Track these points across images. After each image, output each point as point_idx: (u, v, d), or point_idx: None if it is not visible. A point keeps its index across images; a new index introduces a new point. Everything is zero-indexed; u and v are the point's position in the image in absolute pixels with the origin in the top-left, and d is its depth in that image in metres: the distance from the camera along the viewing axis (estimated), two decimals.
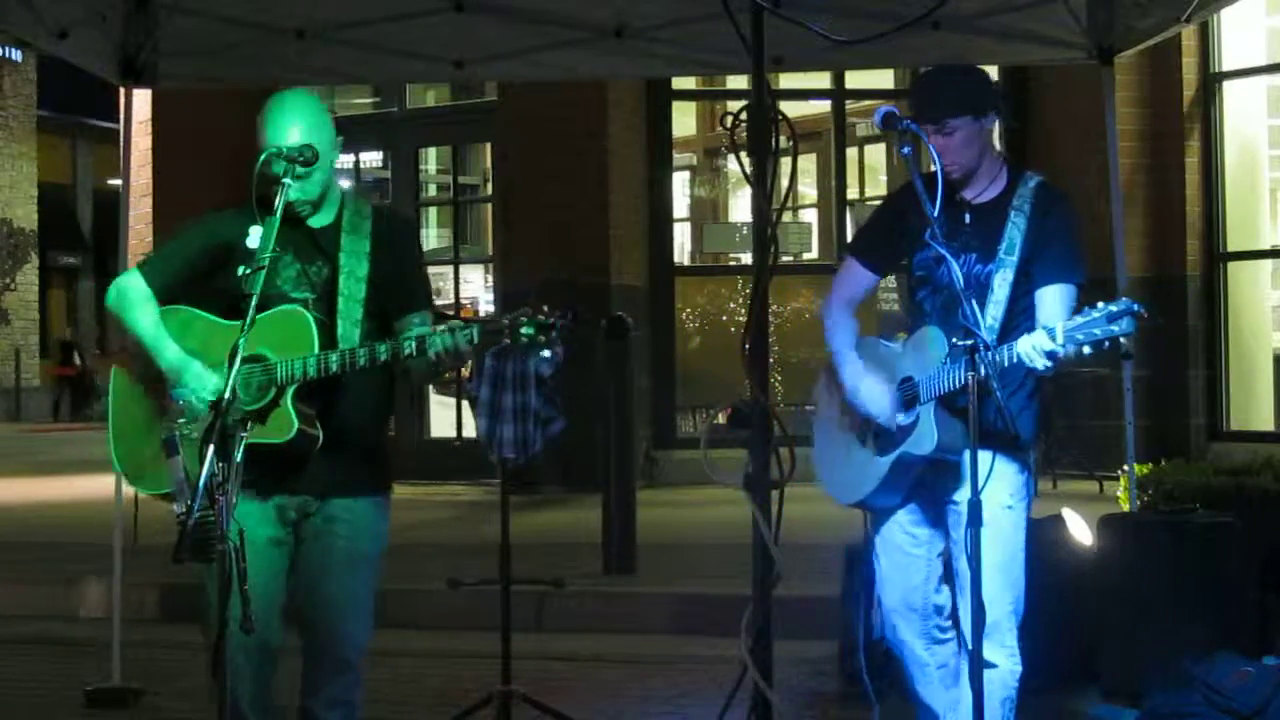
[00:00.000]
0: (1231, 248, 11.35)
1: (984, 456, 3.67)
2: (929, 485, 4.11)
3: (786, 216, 13.53)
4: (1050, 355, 3.63)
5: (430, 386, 12.31)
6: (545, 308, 3.58)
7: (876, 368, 4.14)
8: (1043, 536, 4.75)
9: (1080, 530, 5.95)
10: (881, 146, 14.98)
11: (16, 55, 33.45)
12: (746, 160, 3.92)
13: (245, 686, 3.86)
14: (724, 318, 12.82)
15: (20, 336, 32.78)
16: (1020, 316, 4.00)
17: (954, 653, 4.23)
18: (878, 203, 11.24)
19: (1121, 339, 3.54)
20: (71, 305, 36.50)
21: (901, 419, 4.03)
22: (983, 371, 3.65)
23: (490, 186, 13.89)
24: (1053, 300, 3.96)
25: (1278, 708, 4.86)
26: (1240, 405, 11.34)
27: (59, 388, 31.66)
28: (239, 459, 3.42)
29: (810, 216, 15.98)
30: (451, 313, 11.49)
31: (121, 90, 6.54)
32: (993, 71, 11.56)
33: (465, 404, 8.64)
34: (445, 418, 12.79)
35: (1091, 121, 7.98)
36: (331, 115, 4.02)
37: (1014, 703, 4.11)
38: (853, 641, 5.73)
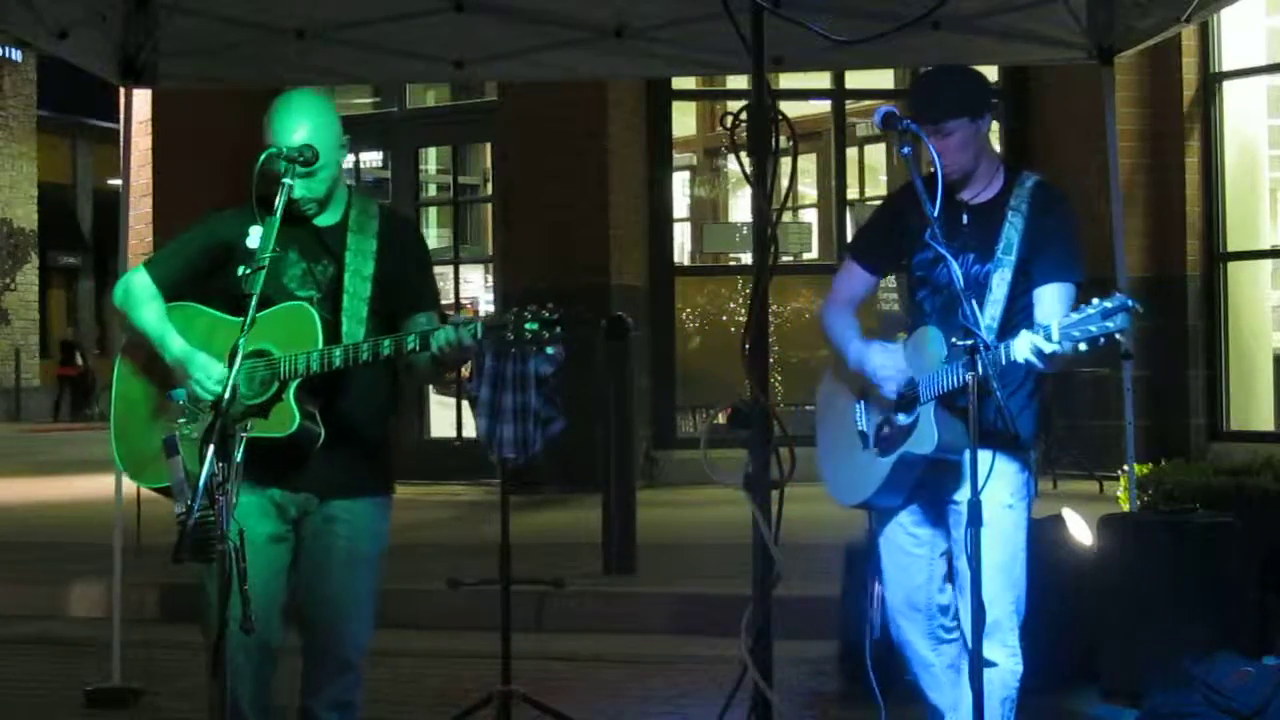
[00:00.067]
0: (1231, 248, 11.35)
1: (984, 456, 3.67)
2: (930, 485, 4.12)
3: (786, 216, 13.54)
4: (1048, 354, 3.64)
5: (430, 386, 12.31)
6: (550, 304, 3.59)
7: None
8: (1043, 536, 4.75)
9: (1080, 530, 5.95)
10: (881, 146, 14.99)
11: (16, 55, 33.47)
12: (746, 160, 3.92)
13: (245, 686, 3.86)
14: (724, 318, 12.83)
15: (20, 336, 32.79)
16: (1019, 316, 4.00)
17: (960, 652, 4.23)
18: (878, 203, 11.24)
19: (1118, 336, 3.54)
20: (71, 305, 36.51)
21: (902, 419, 4.03)
22: (982, 371, 3.65)
23: (490, 186, 13.90)
24: (1051, 299, 3.97)
25: (1278, 708, 4.86)
26: (1240, 405, 11.34)
27: (60, 388, 31.64)
28: (239, 458, 3.42)
29: (810, 216, 15.99)
30: (453, 313, 11.49)
31: (121, 90, 6.54)
32: (993, 71, 11.63)
33: (465, 404, 8.65)
34: (445, 418, 12.80)
35: (1091, 121, 7.98)
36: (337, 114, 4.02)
37: (1014, 702, 4.11)
38: (852, 642, 5.74)
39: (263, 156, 3.72)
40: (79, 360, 31.84)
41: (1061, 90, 11.18)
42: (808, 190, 15.88)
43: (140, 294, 3.98)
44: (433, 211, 15.87)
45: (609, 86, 11.64)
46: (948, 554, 4.20)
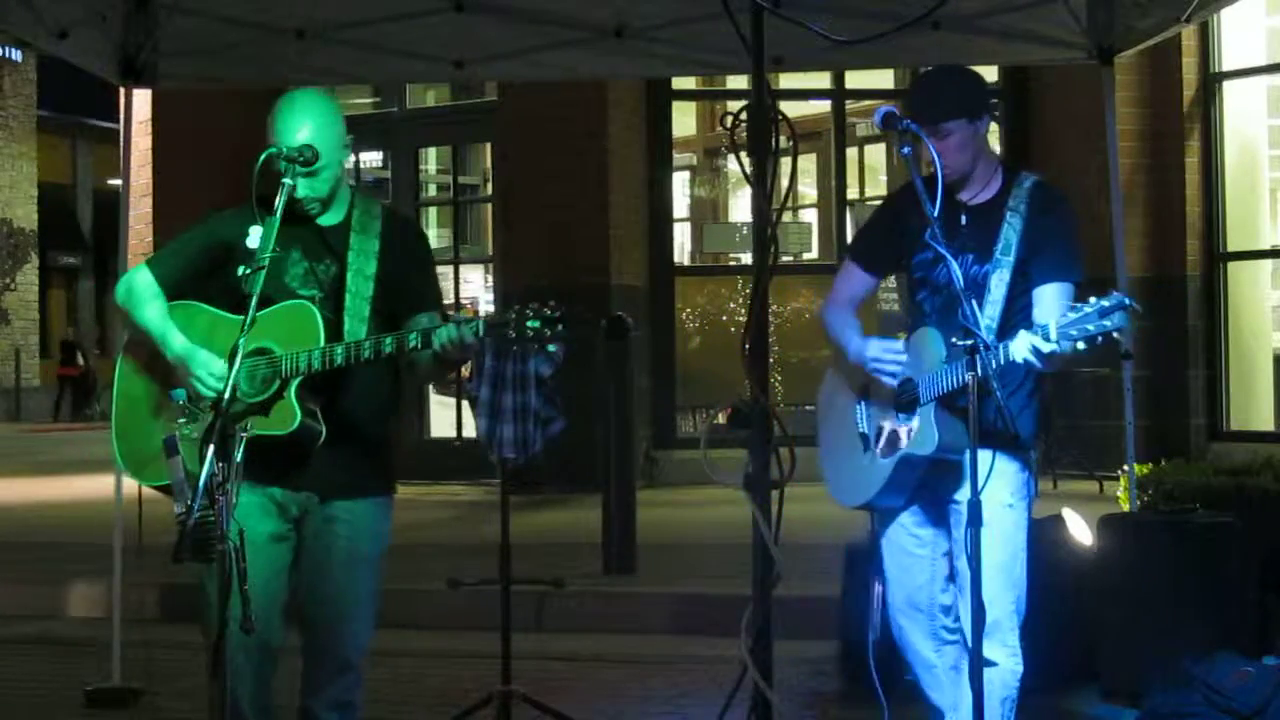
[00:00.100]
0: (1231, 248, 11.35)
1: (984, 456, 3.67)
2: (931, 485, 4.12)
3: (786, 216, 13.54)
4: (1047, 354, 3.64)
5: (430, 386, 12.31)
6: (551, 302, 3.59)
7: None
8: (1043, 536, 4.75)
9: (1080, 530, 5.95)
10: (881, 146, 14.99)
11: (16, 55, 33.48)
12: (746, 160, 3.92)
13: (245, 686, 3.86)
14: (724, 318, 12.83)
15: (20, 336, 32.79)
16: (1018, 316, 4.00)
17: (961, 653, 4.23)
18: (878, 203, 11.23)
19: (1115, 334, 3.54)
20: (71, 305, 36.51)
21: (903, 420, 4.03)
22: (982, 371, 3.66)
23: (490, 186, 13.90)
24: (1050, 299, 3.97)
25: (1278, 708, 4.86)
26: (1240, 405, 11.34)
27: (61, 388, 31.64)
28: (239, 459, 3.42)
29: (810, 216, 15.99)
30: (453, 313, 11.49)
31: (121, 90, 6.54)
32: (993, 71, 11.63)
33: (465, 404, 8.64)
34: (445, 418, 12.80)
35: (1091, 121, 7.98)
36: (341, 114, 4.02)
37: (1014, 702, 4.11)
38: (852, 642, 5.74)
39: (262, 156, 3.72)
40: (80, 360, 31.83)
41: (1061, 90, 11.18)
42: (808, 190, 15.89)
43: (142, 292, 3.98)
44: (433, 211, 15.88)
45: (609, 86, 11.64)
46: (950, 554, 4.20)
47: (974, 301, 3.78)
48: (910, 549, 4.24)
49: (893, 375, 4.05)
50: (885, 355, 4.08)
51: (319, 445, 3.82)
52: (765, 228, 3.90)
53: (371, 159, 14.17)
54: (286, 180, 3.73)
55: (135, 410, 4.02)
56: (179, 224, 4.14)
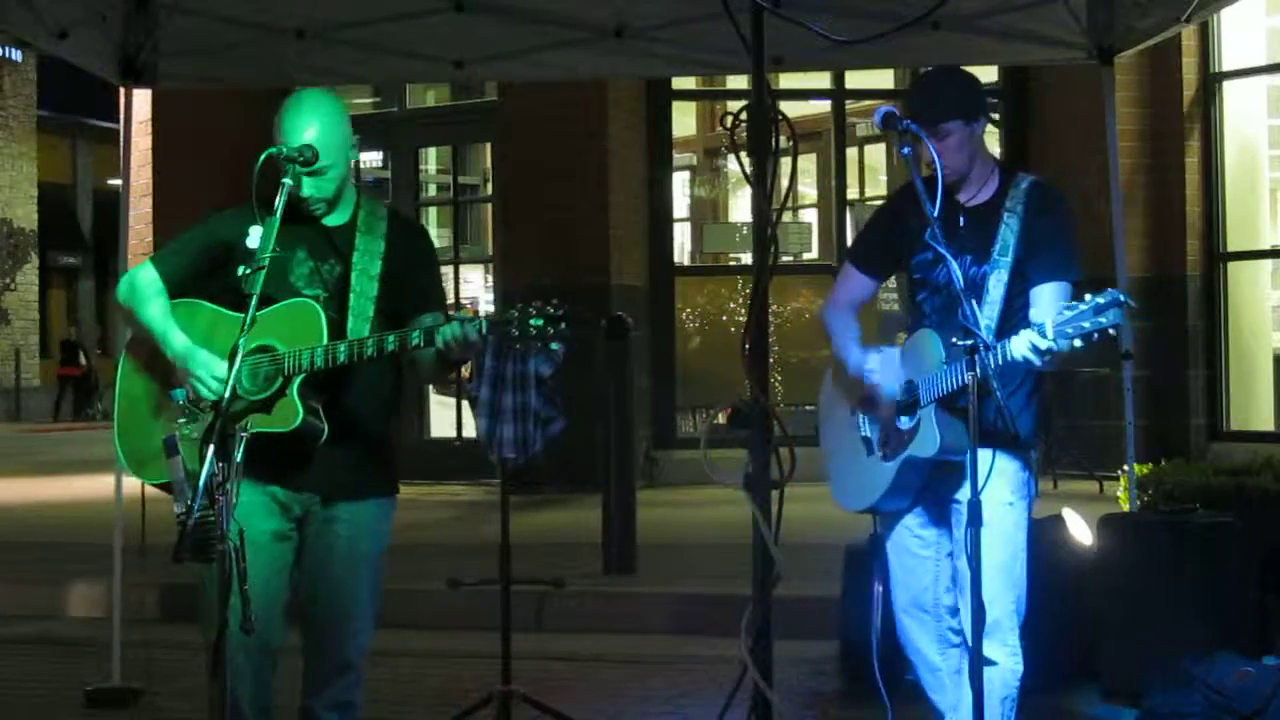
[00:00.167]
0: (1231, 248, 11.35)
1: (985, 455, 3.68)
2: (933, 486, 4.12)
3: (786, 216, 13.54)
4: (1044, 352, 3.64)
5: (430, 386, 12.32)
6: (554, 301, 3.59)
7: None
8: (1043, 536, 4.75)
9: (1080, 530, 5.95)
10: (881, 146, 14.99)
11: (16, 55, 33.47)
12: (746, 160, 3.92)
13: (245, 686, 3.86)
14: (724, 318, 12.83)
15: (20, 336, 32.79)
16: (1016, 316, 4.00)
17: (965, 656, 4.23)
18: (878, 203, 11.25)
19: (1112, 331, 3.54)
20: (71, 305, 36.51)
21: (904, 423, 4.04)
22: (981, 371, 3.66)
23: (490, 186, 13.90)
24: (1047, 298, 3.97)
25: (1278, 708, 4.86)
26: (1240, 405, 11.34)
27: (62, 387, 31.64)
28: (239, 458, 3.42)
29: (810, 216, 15.99)
30: (454, 312, 11.49)
31: (121, 90, 6.54)
32: (993, 71, 11.64)
33: (465, 404, 8.65)
34: (445, 418, 12.80)
35: (1091, 121, 7.98)
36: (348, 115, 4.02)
37: (1015, 702, 4.11)
38: (852, 642, 5.74)
39: (263, 156, 3.72)
40: (82, 360, 31.83)
41: (1061, 90, 11.18)
42: (808, 190, 15.89)
43: (145, 290, 3.98)
44: (433, 211, 15.87)
45: (609, 86, 11.65)
46: (952, 554, 4.20)
47: (974, 301, 3.79)
48: (914, 550, 4.24)
49: (892, 398, 4.06)
50: (886, 376, 4.08)
51: (321, 444, 3.82)
52: (765, 228, 3.90)
53: (371, 159, 14.17)
54: (286, 180, 3.73)
55: (136, 409, 4.02)
56: (179, 224, 4.14)
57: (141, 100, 10.66)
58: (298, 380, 3.74)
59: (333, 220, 3.99)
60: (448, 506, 10.83)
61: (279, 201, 3.70)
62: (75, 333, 34.24)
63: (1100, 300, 3.54)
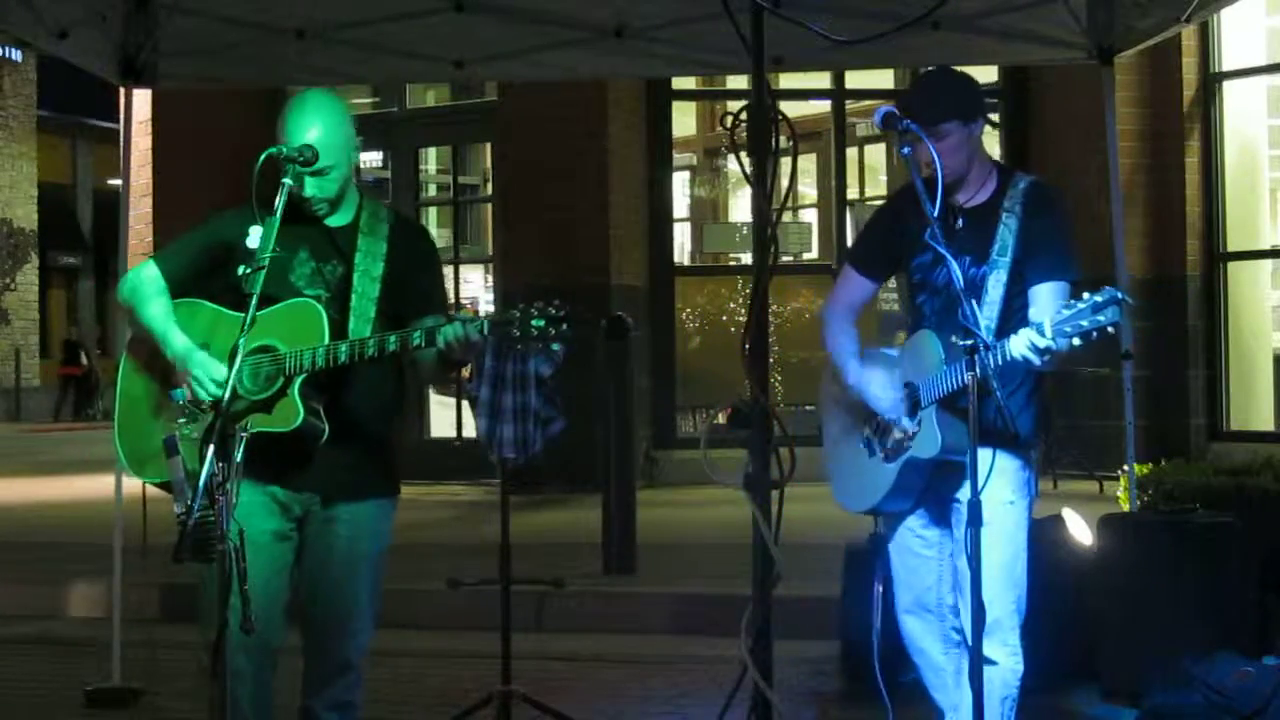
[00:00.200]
0: (1231, 248, 11.34)
1: (986, 455, 3.68)
2: (935, 486, 4.12)
3: (786, 216, 13.54)
4: (1043, 351, 3.64)
5: (430, 386, 12.32)
6: (556, 302, 3.59)
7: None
8: (1043, 536, 4.75)
9: (1080, 530, 5.95)
10: (881, 146, 14.99)
11: (16, 55, 33.46)
12: (746, 160, 3.92)
13: (245, 686, 3.86)
14: (724, 318, 12.83)
15: (20, 336, 32.78)
16: (1015, 317, 4.00)
17: (967, 656, 4.23)
18: (878, 203, 11.24)
19: (1110, 329, 3.54)
20: (71, 305, 36.50)
21: (906, 424, 4.04)
22: (981, 371, 3.66)
23: (490, 186, 13.90)
24: (1045, 297, 3.98)
25: (1278, 708, 4.86)
26: (1240, 405, 11.34)
27: (64, 387, 31.64)
28: (239, 458, 3.42)
29: (810, 216, 15.99)
30: (455, 313, 11.48)
31: (121, 90, 6.54)
32: (993, 71, 11.64)
33: (465, 404, 8.64)
34: (445, 418, 12.80)
35: (1091, 121, 7.98)
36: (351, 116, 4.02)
37: (1015, 701, 4.11)
38: (852, 642, 5.74)
39: (262, 156, 3.73)
40: (84, 360, 31.83)
41: (1061, 90, 11.18)
42: (808, 190, 15.89)
43: (147, 289, 3.98)
44: (433, 211, 15.88)
45: (609, 86, 11.65)
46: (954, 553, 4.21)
47: (973, 301, 3.79)
48: (918, 550, 4.24)
49: (895, 417, 4.06)
50: (885, 399, 4.08)
51: (321, 444, 3.82)
52: (765, 228, 3.90)
53: (371, 159, 14.17)
54: (286, 180, 3.73)
55: (136, 408, 4.02)
56: (179, 224, 4.15)
57: (141, 100, 10.66)
58: (299, 380, 3.75)
59: (335, 221, 4.00)
60: (448, 506, 10.82)
61: (279, 201, 3.71)
62: (76, 333, 34.24)
63: (1098, 299, 3.54)
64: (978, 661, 3.65)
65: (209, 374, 3.82)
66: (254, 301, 3.55)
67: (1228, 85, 11.34)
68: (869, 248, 4.40)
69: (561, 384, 5.62)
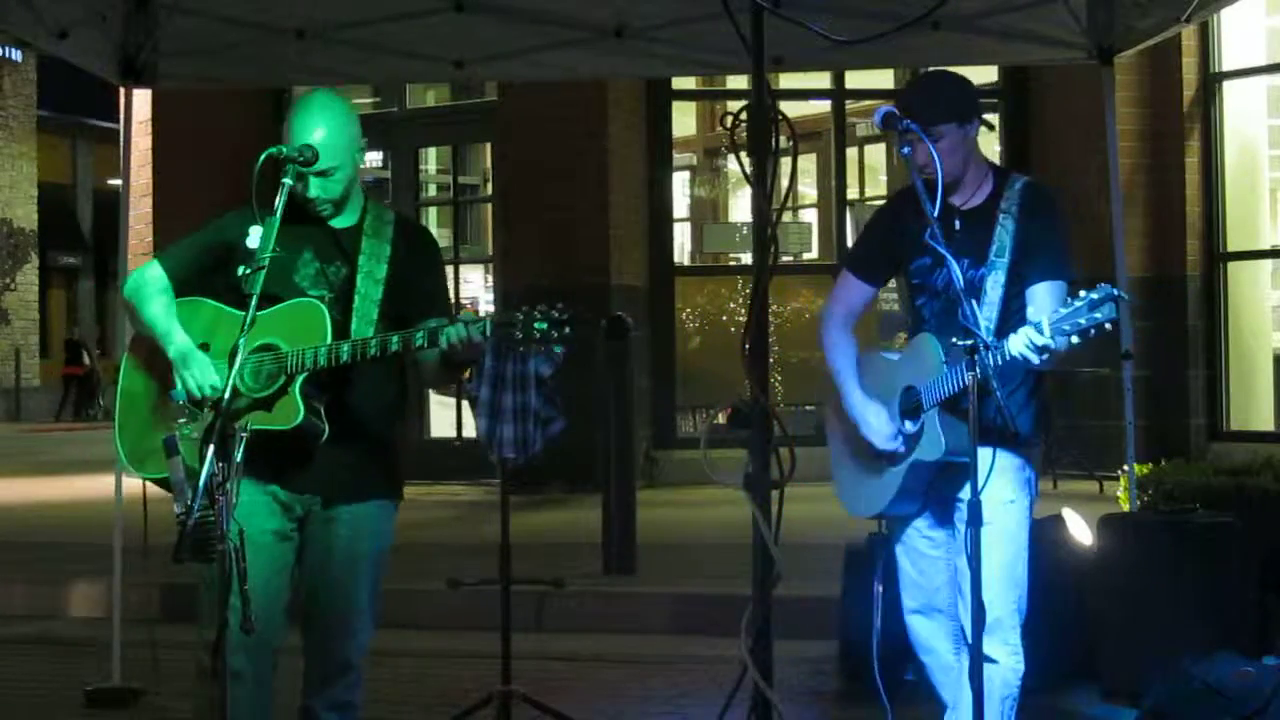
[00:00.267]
0: (1231, 248, 11.35)
1: (986, 454, 3.68)
2: (938, 486, 4.13)
3: (786, 216, 13.54)
4: (1041, 349, 3.65)
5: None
6: (559, 304, 3.59)
7: (878, 382, 4.16)
8: (1043, 536, 4.74)
9: (1080, 530, 5.95)
10: (881, 146, 14.99)
11: (16, 55, 33.46)
12: (746, 160, 3.92)
13: (245, 687, 3.86)
14: (724, 318, 12.82)
15: (20, 336, 32.78)
16: (1014, 318, 4.00)
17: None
18: (878, 203, 11.24)
19: (1108, 325, 3.54)
20: (71, 305, 36.50)
21: (908, 427, 4.04)
22: (981, 371, 3.66)
23: (490, 186, 13.90)
24: (1043, 297, 3.98)
25: (1278, 708, 4.86)
26: (1240, 405, 11.34)
27: (66, 387, 31.63)
28: (239, 458, 3.42)
29: (810, 216, 15.99)
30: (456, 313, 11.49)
31: (121, 90, 6.54)
32: (993, 71, 11.64)
33: (465, 404, 8.64)
34: (445, 418, 12.80)
35: (1091, 121, 7.98)
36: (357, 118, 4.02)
37: (1015, 701, 4.11)
38: (852, 642, 5.74)
39: (262, 156, 3.73)
40: (85, 359, 31.82)
41: (1061, 90, 11.18)
42: (808, 190, 15.89)
43: (151, 287, 3.99)
44: (433, 211, 15.87)
45: (609, 86, 11.64)
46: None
47: (973, 301, 3.79)
48: (925, 551, 4.24)
49: (891, 449, 4.07)
50: (882, 433, 4.08)
51: (322, 443, 3.82)
52: (765, 228, 3.90)
53: (371, 159, 14.17)
54: (286, 180, 3.74)
55: (136, 406, 4.03)
56: (179, 224, 4.16)
57: (141, 100, 10.65)
58: (300, 379, 3.75)
59: (340, 222, 4.00)
60: (448, 506, 10.82)
61: (279, 201, 3.71)
62: (78, 332, 34.24)
63: (1094, 296, 3.55)
64: (978, 661, 3.65)
65: (206, 376, 3.82)
66: (254, 302, 3.55)
67: (1228, 85, 11.34)
68: (868, 252, 4.40)
69: (561, 384, 5.62)
